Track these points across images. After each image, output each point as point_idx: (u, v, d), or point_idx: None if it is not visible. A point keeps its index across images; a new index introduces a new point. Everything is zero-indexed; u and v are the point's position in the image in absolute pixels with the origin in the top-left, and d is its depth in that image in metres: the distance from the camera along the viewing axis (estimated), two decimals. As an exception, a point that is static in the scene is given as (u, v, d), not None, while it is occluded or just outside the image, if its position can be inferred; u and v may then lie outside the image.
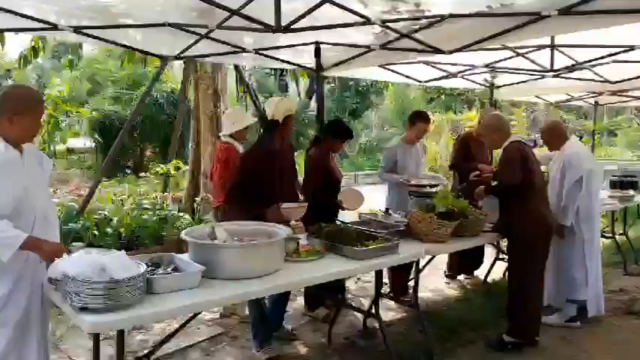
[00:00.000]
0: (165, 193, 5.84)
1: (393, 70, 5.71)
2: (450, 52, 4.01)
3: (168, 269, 2.49)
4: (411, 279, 3.88)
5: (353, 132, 4.42)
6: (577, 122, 16.94)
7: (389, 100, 18.93)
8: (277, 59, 4.82)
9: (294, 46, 4.61)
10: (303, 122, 16.84)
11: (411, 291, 3.98)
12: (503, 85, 7.11)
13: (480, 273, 5.44)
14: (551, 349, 3.79)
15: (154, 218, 4.96)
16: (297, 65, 5.11)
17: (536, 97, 8.50)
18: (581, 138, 10.66)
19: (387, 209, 4.19)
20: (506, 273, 4.12)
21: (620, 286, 5.36)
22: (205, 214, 5.19)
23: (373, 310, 3.52)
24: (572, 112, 17.04)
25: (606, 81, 6.08)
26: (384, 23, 3.63)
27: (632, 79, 5.98)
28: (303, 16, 3.32)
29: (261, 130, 3.66)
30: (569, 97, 8.64)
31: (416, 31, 3.88)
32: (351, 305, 3.94)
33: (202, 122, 5.98)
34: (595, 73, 5.82)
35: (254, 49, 4.50)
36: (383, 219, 3.85)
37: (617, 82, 6.13)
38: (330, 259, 2.97)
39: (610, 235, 6.36)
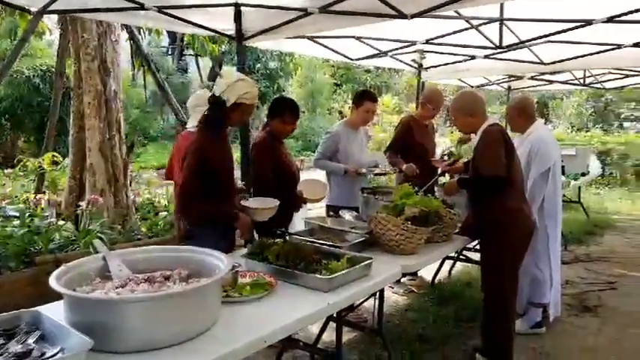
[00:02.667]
0: (40, 195, 4.52)
1: (323, 45, 4.91)
2: (412, 17, 3.25)
3: (30, 341, 1.48)
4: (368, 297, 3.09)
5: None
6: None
7: (297, 85, 18.15)
8: (187, 21, 3.76)
9: (208, 6, 3.62)
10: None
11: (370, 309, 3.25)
12: (431, 67, 6.66)
13: (423, 273, 4.87)
14: (528, 367, 3.30)
15: (21, 231, 3.69)
16: (213, 31, 4.08)
17: (459, 79, 8.21)
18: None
19: (336, 211, 3.39)
20: (450, 272, 3.54)
21: (564, 277, 5.08)
22: (94, 222, 4.00)
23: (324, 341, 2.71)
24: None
25: (541, 62, 5.77)
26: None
27: (565, 60, 5.72)
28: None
29: (206, 110, 2.66)
30: (487, 81, 8.52)
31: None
32: (297, 343, 3.03)
33: (86, 104, 4.70)
34: (533, 53, 5.46)
35: (156, 6, 3.42)
36: (335, 225, 3.03)
37: (550, 63, 5.84)
38: (283, 292, 2.11)
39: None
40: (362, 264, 2.28)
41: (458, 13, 3.98)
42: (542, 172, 3.58)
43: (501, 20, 4.38)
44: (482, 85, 8.81)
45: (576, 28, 4.23)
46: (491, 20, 4.33)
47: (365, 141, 4.30)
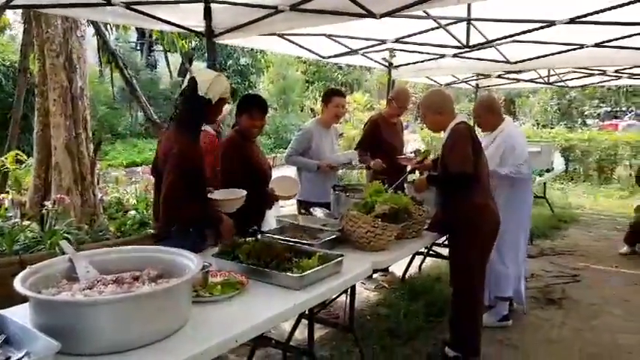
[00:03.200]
0: (3, 195, 4.38)
1: (294, 43, 4.91)
2: (381, 16, 3.28)
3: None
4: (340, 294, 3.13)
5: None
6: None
7: (268, 81, 18.06)
8: (156, 18, 3.70)
9: (177, 2, 3.57)
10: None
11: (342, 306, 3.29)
12: (401, 65, 6.74)
13: (394, 268, 4.94)
14: (495, 357, 3.39)
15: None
16: (183, 28, 4.02)
17: (428, 77, 8.32)
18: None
19: (308, 207, 3.41)
20: (420, 267, 3.60)
21: (530, 270, 5.23)
22: (60, 222, 3.90)
23: (297, 339, 2.73)
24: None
25: (507, 61, 5.91)
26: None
27: (530, 59, 5.86)
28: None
29: (182, 109, 2.58)
30: (456, 79, 8.66)
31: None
32: (270, 340, 3.04)
33: (52, 101, 4.57)
34: (499, 52, 5.59)
35: (123, 2, 3.36)
36: (307, 223, 3.05)
37: (516, 62, 5.98)
38: (255, 291, 2.11)
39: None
40: (333, 261, 2.30)
41: (427, 13, 4.03)
42: (519, 163, 3.68)
43: (469, 20, 4.45)
44: (451, 83, 8.95)
45: (540, 28, 4.34)
46: (459, 20, 4.40)
47: (336, 140, 4.35)
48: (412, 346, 3.50)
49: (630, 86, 8.26)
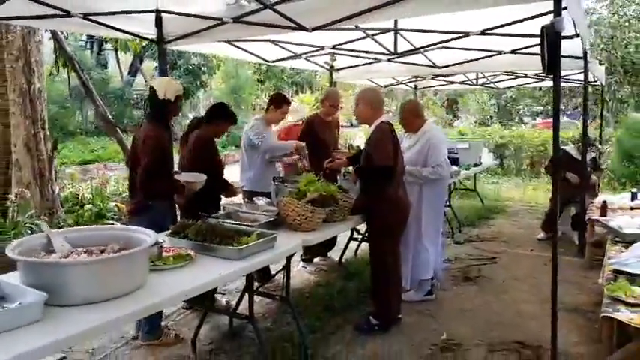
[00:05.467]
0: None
1: (240, 48, 5.35)
2: (312, 30, 3.79)
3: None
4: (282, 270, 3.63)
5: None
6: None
7: (220, 81, 18.29)
8: (111, 27, 4.06)
9: (131, 12, 3.95)
10: (127, 102, 15.34)
11: (278, 279, 3.80)
12: (342, 68, 7.27)
13: (333, 254, 5.48)
14: (414, 324, 3.95)
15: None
16: (136, 35, 4.40)
17: (369, 80, 8.89)
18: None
19: (250, 196, 3.88)
20: (356, 252, 4.14)
21: (454, 254, 5.89)
22: (21, 215, 4.19)
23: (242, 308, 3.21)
24: (389, 94, 18.47)
25: (435, 65, 6.55)
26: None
27: (456, 64, 6.53)
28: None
29: (151, 109, 3.38)
30: (395, 81, 9.27)
31: (277, 3, 3.58)
32: (218, 309, 3.53)
33: (12, 102, 4.82)
34: (427, 58, 6.21)
35: (81, 14, 3.72)
36: (249, 209, 3.52)
37: (443, 66, 6.64)
38: (202, 262, 2.57)
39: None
40: (267, 237, 2.79)
41: (356, 26, 4.56)
42: (437, 164, 4.22)
43: (396, 30, 5.04)
44: (391, 85, 9.60)
45: (458, 38, 4.98)
46: (387, 30, 4.97)
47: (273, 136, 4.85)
48: (344, 316, 4.02)
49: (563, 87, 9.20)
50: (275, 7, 3.47)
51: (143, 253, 2.19)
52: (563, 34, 2.87)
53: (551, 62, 2.86)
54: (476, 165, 7.78)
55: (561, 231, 6.83)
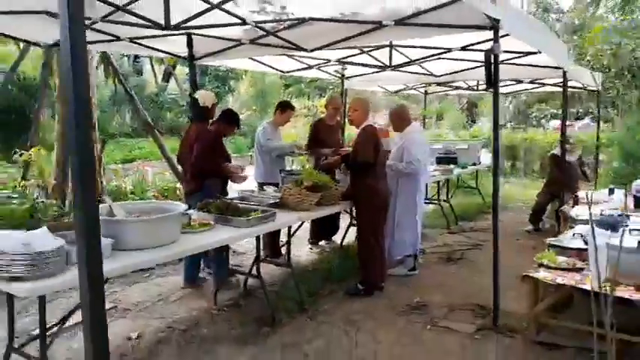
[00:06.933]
0: (32, 181, 5.64)
1: (259, 61, 6.26)
2: (312, 50, 4.69)
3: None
4: (283, 245, 4.55)
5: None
6: (414, 107, 19.17)
7: (248, 85, 19.38)
8: (151, 48, 5.05)
9: (167, 36, 4.91)
10: (161, 106, 16.54)
11: (284, 253, 4.69)
12: (352, 76, 8.11)
13: (337, 238, 6.34)
14: (394, 291, 4.77)
15: (24, 206, 4.84)
16: (171, 54, 5.38)
17: (379, 86, 9.71)
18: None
19: (261, 185, 4.79)
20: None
21: (445, 241, 6.67)
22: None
23: (254, 272, 4.12)
24: (408, 99, 19.19)
25: (432, 74, 7.34)
26: (256, 24, 4.16)
27: (451, 73, 7.30)
28: (192, 18, 3.72)
29: (194, 112, 4.63)
30: (405, 86, 10.03)
31: (280, 30, 4.48)
32: (235, 270, 4.52)
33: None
34: (423, 68, 7.01)
35: (128, 38, 4.70)
36: (259, 194, 4.44)
37: (441, 75, 7.42)
38: (220, 229, 3.49)
39: (436, 201, 7.78)
40: (268, 212, 3.69)
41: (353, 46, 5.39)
42: (408, 161, 5.03)
43: (391, 46, 5.87)
44: (401, 90, 10.37)
45: (443, 52, 5.79)
46: (381, 47, 5.78)
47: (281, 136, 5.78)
48: (338, 285, 4.87)
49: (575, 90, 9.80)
50: (277, 34, 4.37)
51: (174, 217, 3.12)
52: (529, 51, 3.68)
53: (490, 79, 3.67)
54: (474, 164, 8.52)
55: (549, 223, 7.55)
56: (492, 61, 3.64)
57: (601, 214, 4.34)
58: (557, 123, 18.32)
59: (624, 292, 3.11)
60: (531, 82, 8.86)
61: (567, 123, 19.79)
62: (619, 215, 4.24)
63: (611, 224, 3.68)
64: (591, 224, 2.08)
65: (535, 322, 3.56)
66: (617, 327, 3.11)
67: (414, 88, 10.33)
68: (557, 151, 7.23)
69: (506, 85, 9.63)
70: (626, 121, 11.26)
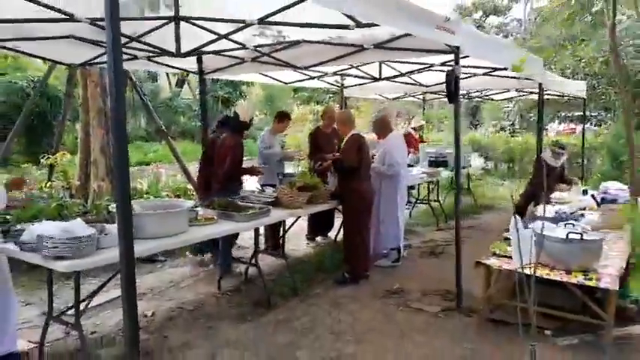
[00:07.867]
0: (56, 182, 6.39)
1: (263, 74, 6.93)
2: (305, 68, 5.36)
3: (104, 233, 3.47)
4: (281, 237, 5.23)
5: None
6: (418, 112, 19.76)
7: (259, 90, 20.15)
8: (167, 65, 5.77)
9: (181, 55, 5.61)
10: (175, 111, 17.33)
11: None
12: (350, 86, 8.77)
13: (332, 234, 6.99)
14: (377, 280, 5.40)
15: (54, 203, 5.55)
16: (183, 70, 6.09)
17: (378, 94, 10.33)
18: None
19: (262, 187, 5.48)
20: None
21: (432, 238, 7.29)
22: (99, 200, 5.93)
23: (254, 261, 4.79)
24: (412, 104, 19.77)
25: (422, 85, 7.97)
26: (255, 48, 4.86)
27: (441, 83, 7.89)
28: (202, 47, 4.42)
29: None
30: (404, 94, 10.63)
31: (278, 50, 5.16)
32: (238, 259, 5.22)
33: (92, 117, 6.63)
34: (413, 80, 7.63)
35: (146, 57, 5.40)
36: (258, 194, 5.11)
37: (430, 85, 8.05)
38: (222, 223, 4.16)
39: (426, 201, 8.40)
40: (264, 209, 4.36)
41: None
42: (389, 164, 5.66)
43: (380, 61, 6.51)
44: (399, 97, 11.00)
45: (426, 68, 6.43)
46: (369, 63, 6.42)
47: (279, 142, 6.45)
48: (329, 274, 5.51)
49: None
50: (272, 55, 5.05)
51: (182, 212, 3.79)
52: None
53: (451, 95, 4.30)
54: (464, 167, 9.11)
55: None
56: (453, 80, 4.27)
57: (556, 212, 4.93)
58: (557, 126, 18.92)
59: (557, 275, 3.73)
60: (517, 91, 9.43)
61: (571, 127, 20.08)
62: (571, 213, 4.83)
63: (555, 220, 4.28)
64: (524, 218, 2.70)
65: (488, 302, 4.18)
66: (551, 305, 3.76)
67: (413, 96, 10.95)
68: (547, 153, 7.77)
69: (498, 93, 10.25)
70: (617, 126, 11.76)
